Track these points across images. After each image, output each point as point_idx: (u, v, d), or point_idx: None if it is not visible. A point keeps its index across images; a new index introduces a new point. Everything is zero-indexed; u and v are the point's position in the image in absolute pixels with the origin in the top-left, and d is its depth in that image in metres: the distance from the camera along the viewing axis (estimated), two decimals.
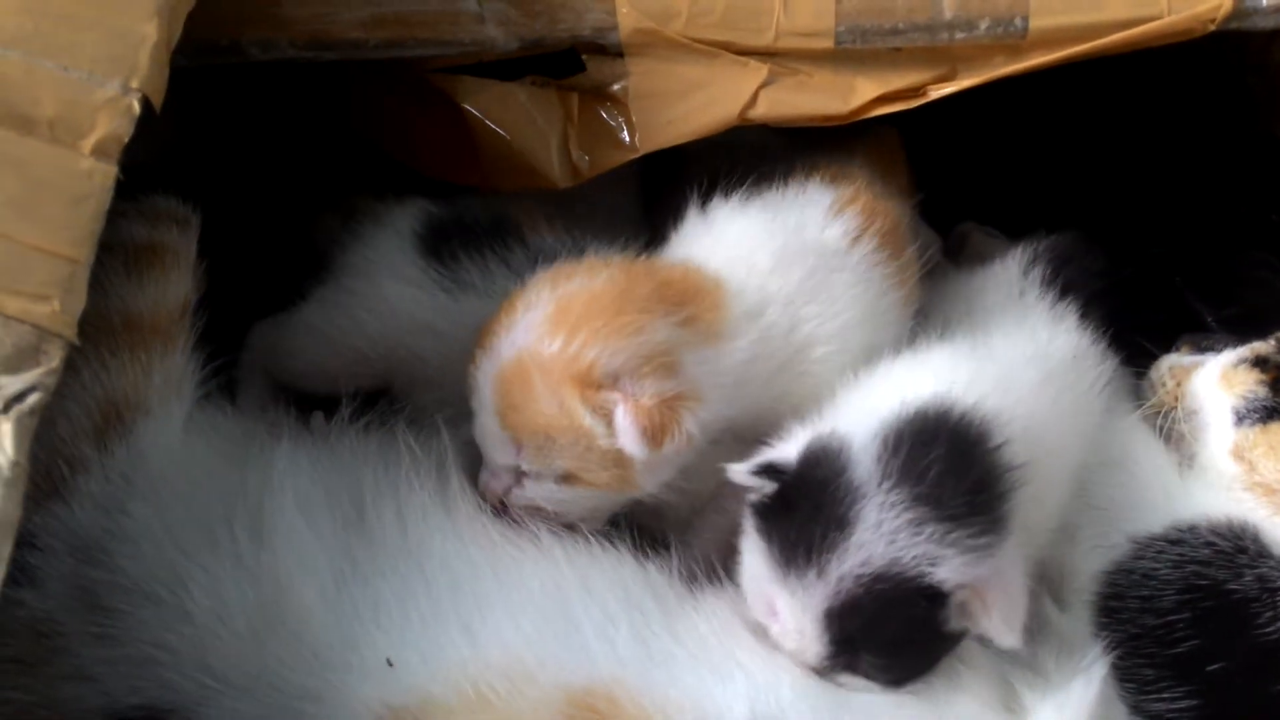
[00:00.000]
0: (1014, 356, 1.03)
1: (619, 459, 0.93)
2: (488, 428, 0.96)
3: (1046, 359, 1.05)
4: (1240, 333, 1.13)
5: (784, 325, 0.99)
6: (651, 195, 1.31)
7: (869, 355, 1.00)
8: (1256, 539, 1.00)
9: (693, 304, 0.96)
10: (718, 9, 1.04)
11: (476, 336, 0.98)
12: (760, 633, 0.92)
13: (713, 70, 1.07)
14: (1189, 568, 0.98)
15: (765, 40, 1.05)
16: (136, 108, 0.79)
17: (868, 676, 0.88)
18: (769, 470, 0.90)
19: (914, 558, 0.85)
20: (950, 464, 0.87)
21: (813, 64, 1.08)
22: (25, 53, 0.76)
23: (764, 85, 1.07)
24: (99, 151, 0.77)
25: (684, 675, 0.90)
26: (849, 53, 1.07)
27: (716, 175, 1.07)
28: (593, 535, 0.97)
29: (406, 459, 1.01)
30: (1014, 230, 1.24)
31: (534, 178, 1.14)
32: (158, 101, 0.81)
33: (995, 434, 0.91)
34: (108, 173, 0.77)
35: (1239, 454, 1.04)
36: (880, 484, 0.87)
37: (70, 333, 0.73)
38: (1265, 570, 0.97)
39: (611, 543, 0.97)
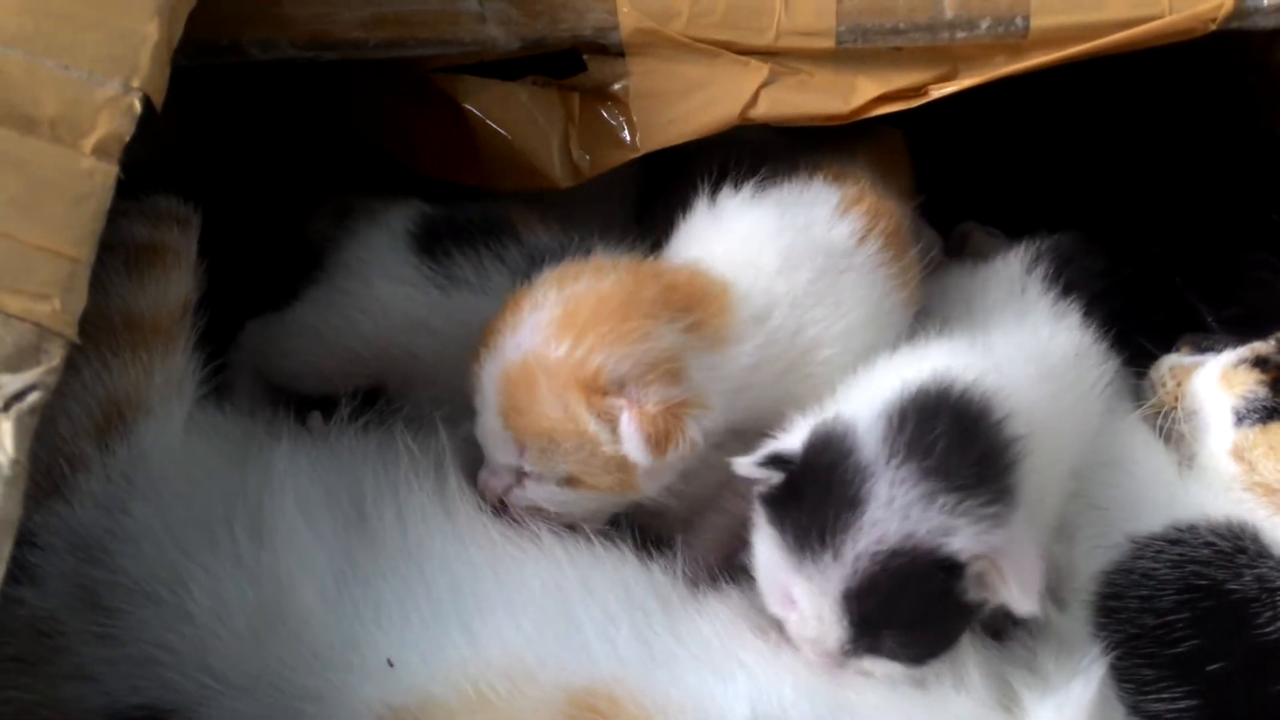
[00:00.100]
0: (1013, 351, 1.04)
1: (622, 464, 0.93)
2: (490, 427, 0.96)
3: (1046, 356, 1.05)
4: (1240, 333, 1.13)
5: (790, 328, 0.99)
6: (651, 194, 1.31)
7: (871, 356, 1.00)
8: (1256, 539, 0.99)
9: (699, 309, 0.96)
10: (719, 9, 1.04)
11: (480, 334, 0.98)
12: (764, 632, 0.92)
13: (714, 70, 1.07)
14: (1188, 568, 0.98)
15: (766, 40, 1.05)
16: (137, 107, 0.79)
17: (892, 657, 0.87)
18: (775, 461, 0.90)
19: (928, 530, 0.85)
20: (955, 437, 0.88)
21: (814, 63, 1.08)
22: (26, 52, 0.76)
23: (765, 85, 1.07)
24: (100, 151, 0.77)
25: (685, 675, 0.90)
26: (850, 52, 1.06)
27: (723, 168, 1.07)
28: (595, 535, 0.97)
29: (405, 459, 1.01)
30: (1014, 230, 1.24)
31: (535, 178, 1.14)
32: (159, 101, 0.81)
33: (997, 408, 0.91)
34: (109, 172, 0.77)
35: (1239, 454, 1.04)
36: (888, 461, 0.87)
37: (71, 332, 0.73)
38: (1265, 570, 0.97)
39: (614, 543, 0.97)
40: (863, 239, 1.05)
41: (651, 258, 1.04)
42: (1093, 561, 1.01)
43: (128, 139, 0.78)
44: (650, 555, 0.97)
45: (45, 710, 0.89)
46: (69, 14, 0.78)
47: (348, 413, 1.07)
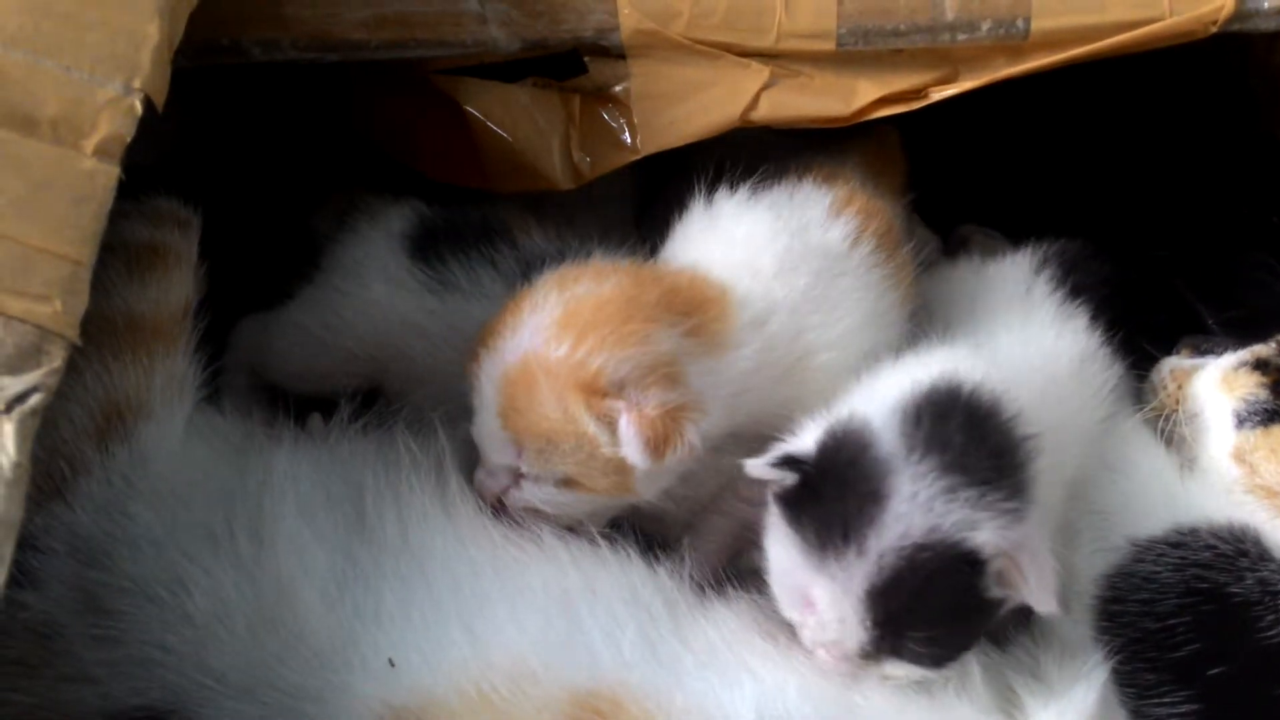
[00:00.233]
0: (1018, 352, 1.04)
1: (620, 466, 0.93)
2: (488, 427, 0.96)
3: (1051, 358, 1.06)
4: (1241, 335, 1.13)
5: (789, 332, 0.99)
6: (650, 195, 1.31)
7: (868, 359, 1.00)
8: (1258, 542, 0.99)
9: (699, 313, 0.96)
10: (719, 10, 1.04)
11: (478, 334, 0.98)
12: (771, 637, 0.92)
13: (714, 72, 1.07)
14: (1190, 571, 0.98)
15: (767, 42, 1.05)
16: (138, 108, 0.79)
17: (912, 659, 0.87)
18: (788, 462, 0.90)
19: (953, 523, 0.84)
20: (971, 433, 0.88)
21: (814, 66, 1.08)
22: (28, 52, 0.76)
23: (766, 87, 1.07)
24: (101, 152, 0.77)
25: (690, 679, 0.89)
26: (850, 54, 1.06)
27: (720, 169, 1.07)
28: (601, 538, 0.97)
29: (406, 460, 1.00)
30: (1014, 232, 1.24)
31: (536, 179, 1.14)
32: (160, 102, 0.81)
33: (1007, 406, 0.91)
34: (110, 173, 0.77)
35: (1240, 457, 1.04)
36: (908, 456, 0.86)
37: (72, 333, 0.73)
38: (1266, 573, 0.97)
39: (620, 545, 0.97)
40: (856, 241, 1.04)
41: (651, 261, 1.04)
42: (1094, 565, 1.01)
43: (129, 140, 0.78)
44: (656, 558, 0.97)
45: (45, 713, 0.89)
46: (70, 14, 0.78)
47: (348, 414, 1.07)
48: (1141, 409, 1.12)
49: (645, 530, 1.01)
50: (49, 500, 0.92)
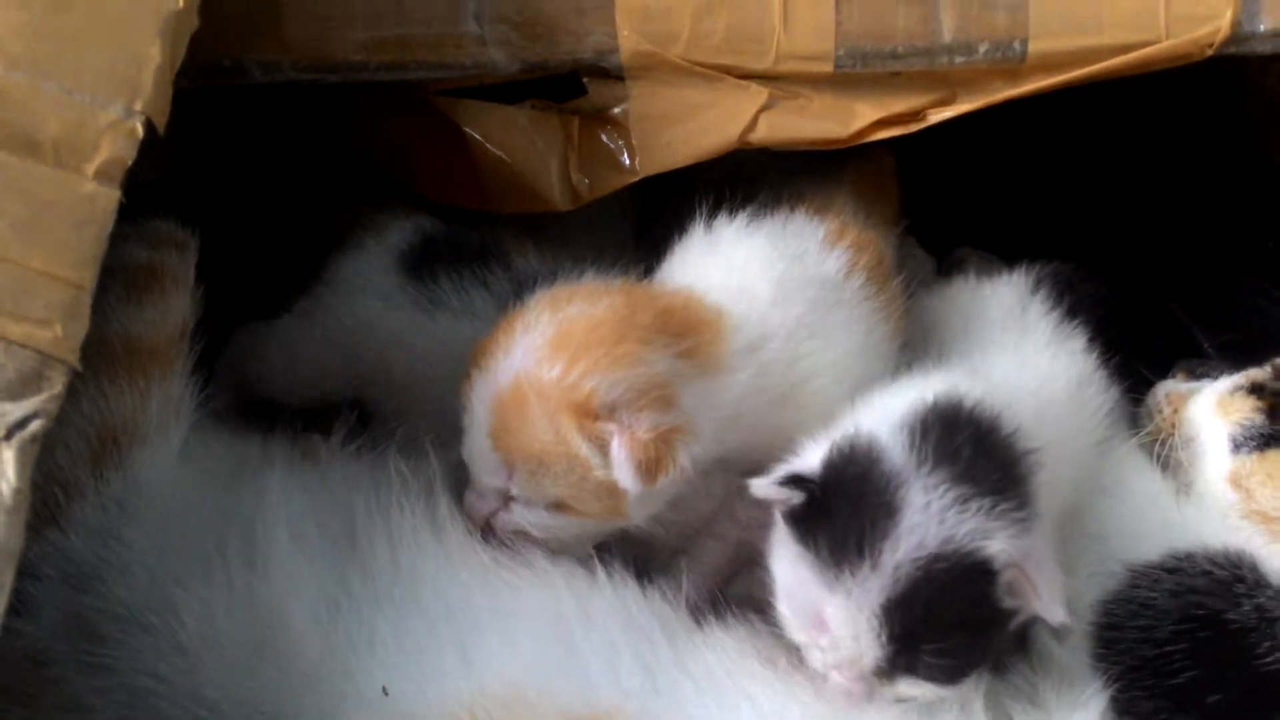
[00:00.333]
0: (1014, 372, 1.04)
1: (612, 490, 0.92)
2: (479, 448, 0.95)
3: (1047, 379, 1.05)
4: (1237, 359, 1.12)
5: (785, 360, 0.98)
6: (649, 214, 1.31)
7: (859, 388, 1.00)
8: (1254, 568, 0.99)
9: (693, 335, 0.95)
10: (718, 32, 1.04)
11: (470, 354, 0.97)
12: (771, 662, 0.91)
13: (713, 93, 1.07)
14: (1186, 597, 0.97)
15: (765, 64, 1.05)
16: (140, 130, 0.78)
17: (927, 675, 0.86)
18: (794, 480, 0.89)
19: (967, 533, 0.84)
20: (978, 444, 0.88)
21: (813, 88, 1.07)
22: (29, 74, 0.76)
23: (764, 109, 1.07)
24: (102, 175, 0.76)
25: (689, 706, 0.89)
26: (848, 76, 1.06)
27: (720, 190, 1.07)
28: (598, 562, 0.96)
29: (397, 483, 1.00)
30: (1010, 255, 1.24)
31: (534, 201, 1.14)
32: (161, 124, 0.80)
33: (1007, 422, 0.91)
34: (111, 196, 0.76)
35: (1236, 481, 1.04)
36: (919, 468, 0.87)
37: (73, 358, 0.72)
38: (1263, 600, 0.97)
39: (614, 569, 0.96)
40: (849, 273, 1.05)
41: (646, 281, 1.04)
42: (1091, 590, 1.00)
43: (130, 163, 0.77)
44: (650, 581, 0.97)
45: None
46: (72, 36, 0.78)
47: (340, 437, 1.07)
48: (1137, 433, 1.12)
49: (632, 555, 1.01)
50: (43, 526, 0.91)
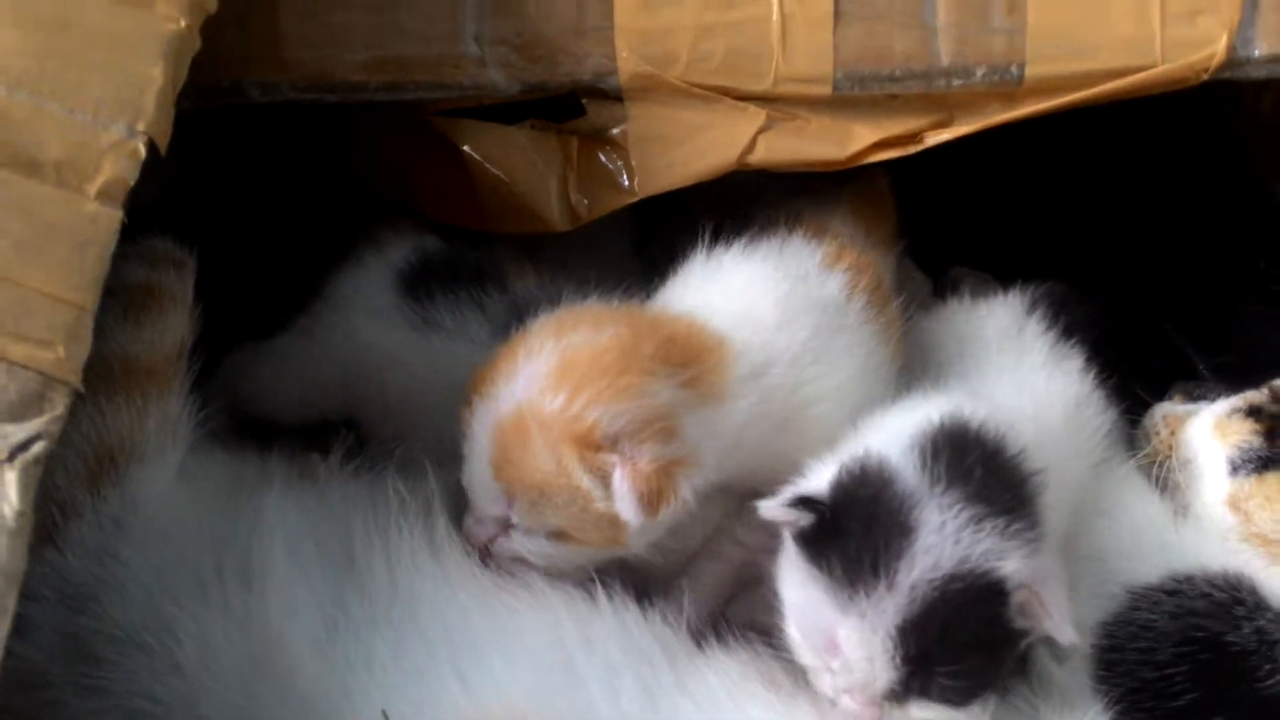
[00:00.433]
0: (1012, 393, 1.04)
1: (613, 521, 0.91)
2: (480, 477, 0.94)
3: (1045, 399, 1.06)
4: (1232, 381, 1.13)
5: (788, 385, 0.98)
6: (648, 236, 1.31)
7: (859, 412, 0.99)
8: (1253, 590, 0.99)
9: (696, 364, 0.94)
10: (717, 55, 1.04)
11: (472, 379, 0.96)
12: (774, 685, 0.91)
13: (712, 115, 1.07)
14: (1186, 619, 0.97)
15: (764, 86, 1.05)
16: (142, 151, 0.78)
17: (940, 697, 0.85)
18: (803, 502, 0.89)
19: (981, 553, 0.84)
20: (988, 465, 0.89)
21: (811, 109, 1.08)
22: (32, 95, 0.76)
23: (762, 130, 1.07)
24: (104, 195, 0.76)
25: None
26: (846, 99, 1.06)
27: (720, 211, 1.07)
28: (598, 584, 0.96)
29: (395, 503, 0.99)
30: (1005, 276, 1.24)
31: (533, 221, 1.14)
32: (163, 145, 0.80)
33: (1013, 442, 0.92)
34: (113, 217, 0.76)
35: (1235, 504, 1.04)
36: (932, 488, 0.87)
37: (75, 379, 0.72)
38: (1263, 623, 0.97)
39: (613, 591, 0.95)
40: (850, 294, 1.04)
41: (648, 304, 1.03)
42: (1091, 612, 1.00)
43: (132, 183, 0.77)
44: (650, 603, 0.96)
45: None
46: (74, 57, 0.78)
47: (338, 456, 1.06)
48: (1134, 455, 1.12)
49: (629, 578, 1.00)
50: (41, 546, 0.90)
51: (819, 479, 0.91)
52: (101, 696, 0.89)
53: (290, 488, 1.02)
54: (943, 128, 1.09)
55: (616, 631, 0.93)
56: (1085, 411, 1.07)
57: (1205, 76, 1.04)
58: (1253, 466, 1.04)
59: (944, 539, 0.84)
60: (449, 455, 0.98)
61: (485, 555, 0.97)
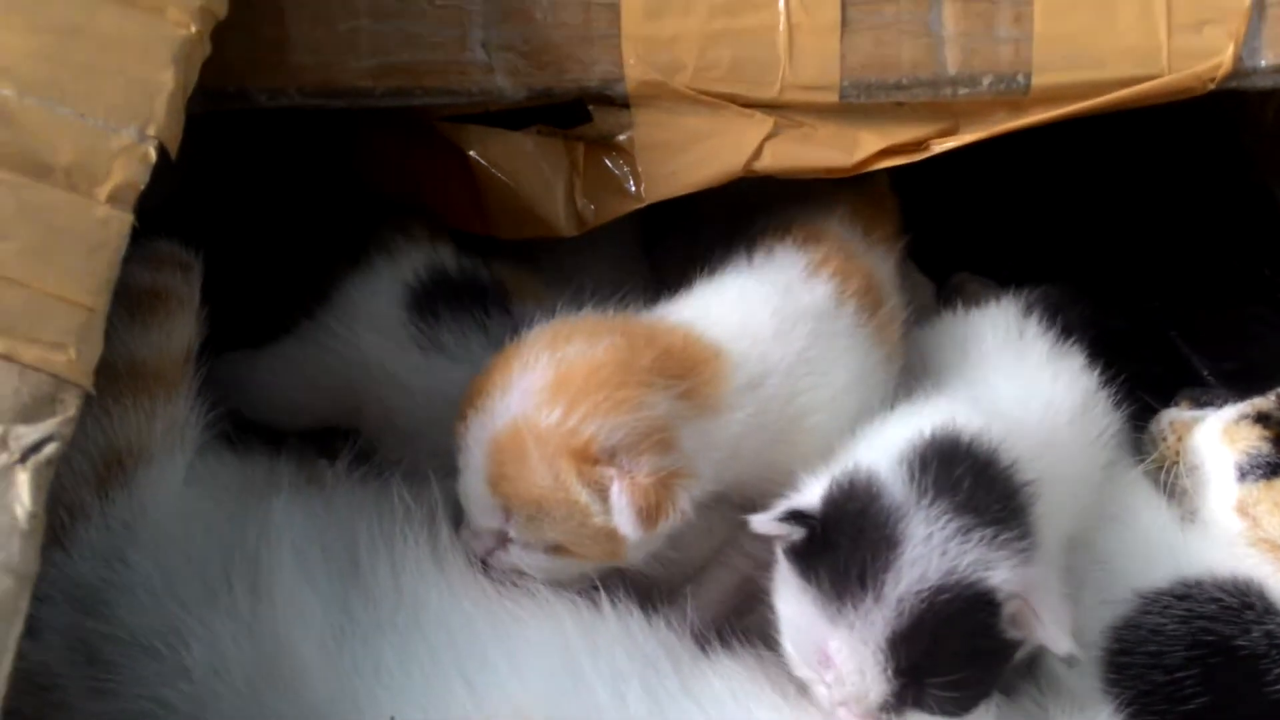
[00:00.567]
0: (1015, 395, 1.04)
1: (611, 534, 0.90)
2: (475, 492, 0.94)
3: (1049, 400, 1.05)
4: (1237, 387, 1.13)
5: (784, 395, 0.97)
6: (653, 241, 1.31)
7: (857, 419, 0.99)
8: (1262, 595, 0.99)
9: (692, 376, 0.94)
10: (724, 62, 1.04)
11: (466, 393, 0.95)
12: (781, 690, 0.91)
13: (718, 122, 1.07)
14: (1196, 623, 0.97)
15: (771, 93, 1.05)
16: (152, 155, 0.78)
17: (935, 709, 0.85)
18: (794, 516, 0.89)
19: (969, 564, 0.84)
20: (978, 476, 0.89)
21: (817, 117, 1.08)
22: (43, 99, 0.76)
23: (769, 137, 1.07)
24: (115, 199, 0.76)
25: None
26: (853, 107, 1.06)
27: (724, 218, 1.07)
28: (602, 591, 0.95)
29: (400, 511, 0.99)
30: (1009, 282, 1.24)
31: (539, 226, 1.14)
32: (173, 149, 0.80)
33: (1005, 454, 0.91)
34: (123, 220, 0.76)
35: (1243, 510, 1.04)
36: (919, 500, 0.87)
37: (87, 382, 0.72)
38: (1273, 626, 0.97)
39: (619, 598, 0.95)
40: (839, 302, 1.04)
41: (643, 314, 1.02)
42: (1101, 617, 1.00)
43: (143, 187, 0.78)
44: (655, 609, 0.96)
45: None
46: (86, 62, 0.78)
47: (345, 461, 1.07)
48: (1142, 460, 1.12)
49: (631, 587, 1.00)
50: (48, 548, 0.89)
51: (811, 493, 0.91)
52: (109, 699, 0.89)
53: (298, 493, 1.02)
54: (949, 136, 1.09)
55: (621, 637, 0.93)
56: (1092, 411, 1.07)
57: (1212, 86, 1.05)
58: (1261, 472, 1.04)
59: (930, 551, 0.84)
60: (448, 467, 0.98)
61: (485, 564, 0.97)
